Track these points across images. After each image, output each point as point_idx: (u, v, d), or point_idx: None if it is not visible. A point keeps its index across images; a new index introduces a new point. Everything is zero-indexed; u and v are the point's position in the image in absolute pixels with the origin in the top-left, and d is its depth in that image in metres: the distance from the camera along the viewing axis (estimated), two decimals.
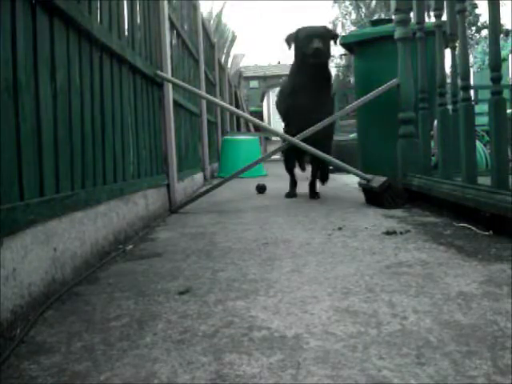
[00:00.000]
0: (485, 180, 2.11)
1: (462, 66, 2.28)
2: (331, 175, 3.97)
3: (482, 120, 3.78)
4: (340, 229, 2.19)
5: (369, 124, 3.91)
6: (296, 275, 1.46)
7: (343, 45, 4.22)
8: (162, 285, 1.43)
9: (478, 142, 3.34)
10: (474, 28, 15.38)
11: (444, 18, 2.60)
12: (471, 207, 2.02)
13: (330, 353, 0.91)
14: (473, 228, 1.97)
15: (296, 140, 3.19)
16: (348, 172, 3.28)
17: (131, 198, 2.32)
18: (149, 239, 2.18)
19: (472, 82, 2.45)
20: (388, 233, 2.02)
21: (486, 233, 1.89)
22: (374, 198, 2.92)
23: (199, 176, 5.13)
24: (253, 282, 1.41)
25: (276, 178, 5.53)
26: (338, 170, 3.90)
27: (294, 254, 1.76)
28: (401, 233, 2.01)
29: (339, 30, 19.24)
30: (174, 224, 2.60)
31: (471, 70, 2.95)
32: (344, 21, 20.01)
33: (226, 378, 0.84)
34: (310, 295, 1.26)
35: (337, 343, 0.96)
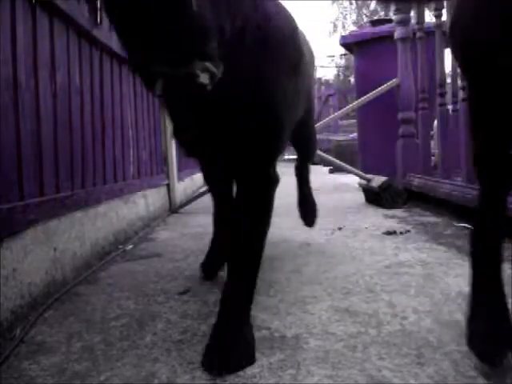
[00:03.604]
0: None
1: None
2: (331, 175, 3.94)
3: None
4: (340, 229, 2.19)
5: (369, 124, 3.92)
6: (296, 275, 1.46)
7: (343, 45, 4.23)
8: (161, 285, 1.43)
9: None
10: None
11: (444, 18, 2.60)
12: (471, 207, 2.01)
13: (329, 353, 0.91)
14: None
15: None
16: (348, 172, 3.28)
17: (131, 198, 2.32)
18: (149, 239, 2.18)
19: None
20: (388, 233, 2.02)
21: None
22: (374, 198, 2.93)
23: (199, 176, 5.13)
24: None
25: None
26: (338, 169, 3.90)
27: (294, 253, 1.76)
28: (401, 233, 2.01)
29: (340, 30, 19.21)
30: (174, 224, 2.60)
31: None
32: (344, 20, 20.02)
33: (226, 378, 0.84)
34: (310, 295, 1.26)
35: (337, 343, 0.96)
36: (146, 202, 2.60)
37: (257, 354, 0.92)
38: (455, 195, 2.19)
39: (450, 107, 2.58)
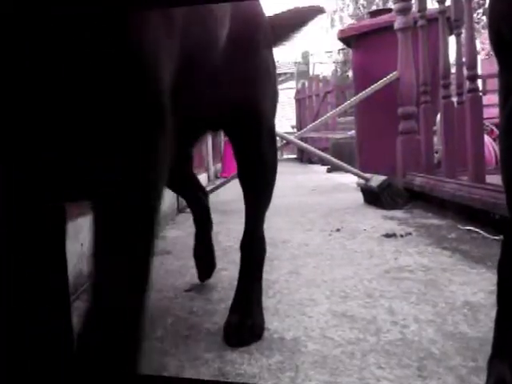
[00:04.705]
0: (494, 179, 1.95)
1: (468, 54, 2.13)
2: (329, 175, 3.87)
3: (493, 112, 3.57)
4: (338, 230, 2.16)
5: (367, 121, 3.86)
6: (294, 277, 1.45)
7: (341, 39, 4.17)
8: (171, 281, 1.47)
9: (486, 137, 3.19)
10: (480, 11, 14.28)
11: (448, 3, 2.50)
12: (478, 208, 1.92)
13: (327, 358, 0.90)
14: (480, 231, 1.88)
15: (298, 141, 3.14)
16: (346, 171, 3.24)
17: None
18: (158, 237, 2.18)
19: (479, 71, 2.28)
20: (387, 235, 1.96)
21: (495, 237, 1.77)
22: (373, 198, 2.87)
23: (203, 176, 5.13)
24: None
25: (277, 177, 5.49)
26: (336, 169, 3.85)
27: (292, 254, 1.74)
28: (401, 235, 1.96)
29: (338, 24, 18.90)
30: (182, 223, 2.59)
31: (478, 58, 2.72)
32: (342, 14, 19.74)
33: (228, 375, 0.86)
34: (308, 297, 1.25)
35: (335, 349, 0.94)
36: None
37: (256, 354, 0.93)
38: (460, 195, 2.09)
39: (454, 99, 2.48)
